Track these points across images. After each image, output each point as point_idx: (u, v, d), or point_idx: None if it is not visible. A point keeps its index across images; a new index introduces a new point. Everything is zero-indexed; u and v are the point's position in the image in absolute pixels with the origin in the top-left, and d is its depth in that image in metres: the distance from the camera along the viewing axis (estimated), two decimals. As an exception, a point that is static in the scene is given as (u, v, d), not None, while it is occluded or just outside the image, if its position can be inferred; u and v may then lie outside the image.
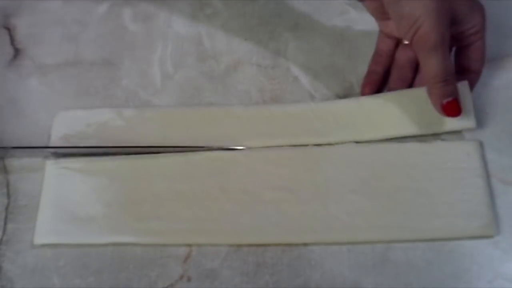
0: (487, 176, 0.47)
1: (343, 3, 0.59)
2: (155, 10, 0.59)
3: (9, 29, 0.58)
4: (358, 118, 0.50)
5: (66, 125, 0.51)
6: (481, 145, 0.48)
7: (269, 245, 0.45)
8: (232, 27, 0.57)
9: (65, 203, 0.47)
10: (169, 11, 0.58)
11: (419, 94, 0.49)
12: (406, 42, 0.51)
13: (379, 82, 0.52)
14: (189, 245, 0.45)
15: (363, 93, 0.52)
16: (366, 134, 0.50)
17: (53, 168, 0.49)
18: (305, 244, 0.45)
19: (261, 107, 0.52)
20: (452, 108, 0.45)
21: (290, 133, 0.50)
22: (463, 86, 0.48)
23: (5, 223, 0.47)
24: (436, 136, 0.49)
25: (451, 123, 0.48)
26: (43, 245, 0.45)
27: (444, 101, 0.45)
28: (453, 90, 0.45)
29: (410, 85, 0.51)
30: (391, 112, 0.50)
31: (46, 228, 0.46)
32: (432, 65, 0.44)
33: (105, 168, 0.49)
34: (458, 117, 0.46)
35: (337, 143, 0.50)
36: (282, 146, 0.50)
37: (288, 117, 0.51)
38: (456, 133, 0.49)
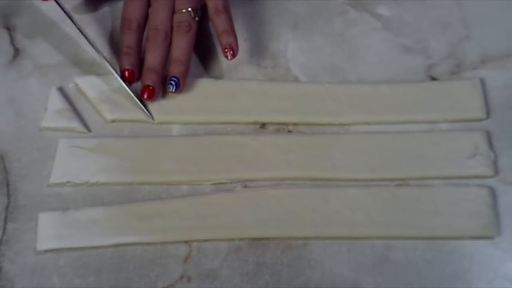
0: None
1: (343, 3, 0.59)
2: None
3: (9, 29, 0.58)
4: (371, 101, 0.51)
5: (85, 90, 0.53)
6: (488, 134, 0.49)
7: (270, 239, 0.45)
8: (232, 27, 0.57)
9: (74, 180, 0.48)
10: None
11: (434, 86, 0.52)
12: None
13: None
14: (190, 244, 0.45)
15: (124, 75, 0.52)
16: (378, 117, 0.51)
17: (65, 146, 0.49)
18: (305, 244, 0.45)
19: (276, 84, 0.53)
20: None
21: (303, 110, 0.51)
22: (474, 82, 0.51)
23: (5, 223, 0.47)
24: (446, 124, 0.50)
25: (463, 113, 0.50)
26: (46, 251, 0.45)
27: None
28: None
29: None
30: (404, 98, 0.51)
31: (48, 234, 0.46)
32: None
33: (116, 148, 0.49)
34: (470, 109, 0.50)
35: (349, 124, 0.51)
36: (296, 123, 0.51)
37: (302, 95, 0.52)
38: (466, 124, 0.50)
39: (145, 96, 0.51)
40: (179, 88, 0.51)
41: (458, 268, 0.44)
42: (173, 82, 0.51)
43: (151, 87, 0.51)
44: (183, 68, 0.51)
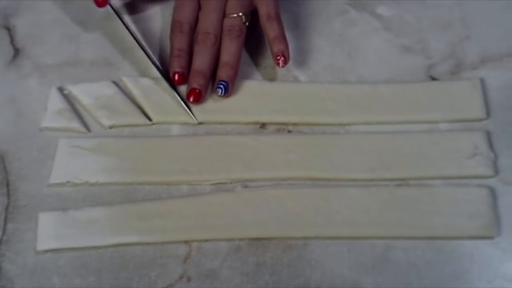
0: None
1: (343, 3, 0.59)
2: (155, 10, 0.59)
3: (9, 29, 0.58)
4: (371, 101, 0.51)
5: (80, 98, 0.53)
6: (488, 134, 0.49)
7: (270, 239, 0.45)
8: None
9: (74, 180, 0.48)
10: (168, 11, 0.58)
11: (434, 86, 0.52)
12: None
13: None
14: (190, 244, 0.45)
15: (174, 78, 0.52)
16: (378, 117, 0.51)
17: (65, 146, 0.49)
18: (305, 244, 0.45)
19: (276, 84, 0.53)
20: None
21: (303, 111, 0.51)
22: (474, 82, 0.51)
23: (5, 223, 0.47)
24: (446, 124, 0.50)
25: (463, 113, 0.50)
26: (46, 251, 0.45)
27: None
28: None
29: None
30: (404, 98, 0.51)
31: (48, 234, 0.46)
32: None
33: (116, 148, 0.49)
34: (470, 109, 0.50)
35: (349, 124, 0.51)
36: (296, 123, 0.51)
37: (302, 95, 0.52)
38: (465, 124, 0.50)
39: (191, 99, 0.51)
40: (227, 92, 0.51)
41: (458, 268, 0.44)
42: (222, 86, 0.51)
43: (197, 90, 0.51)
44: (232, 72, 0.51)
